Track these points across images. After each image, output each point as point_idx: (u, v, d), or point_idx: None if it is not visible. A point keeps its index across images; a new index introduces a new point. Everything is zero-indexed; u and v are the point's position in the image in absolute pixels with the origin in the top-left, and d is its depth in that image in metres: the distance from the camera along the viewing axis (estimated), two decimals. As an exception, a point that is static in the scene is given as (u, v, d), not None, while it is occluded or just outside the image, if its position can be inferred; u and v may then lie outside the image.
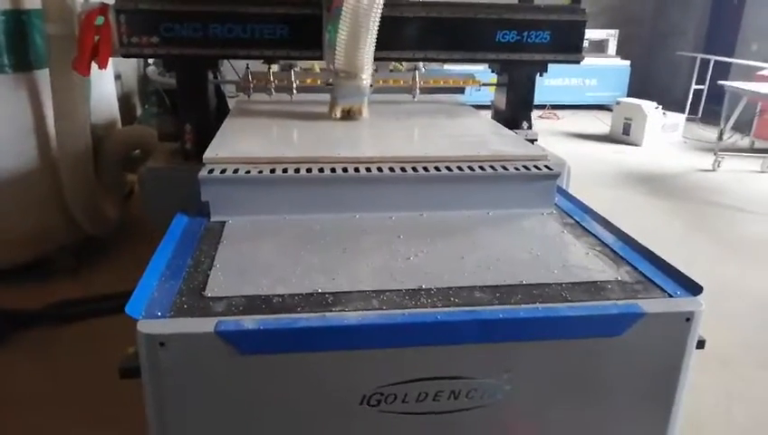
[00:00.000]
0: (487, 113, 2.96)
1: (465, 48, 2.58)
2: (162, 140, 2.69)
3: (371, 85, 2.42)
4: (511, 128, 2.54)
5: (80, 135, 3.26)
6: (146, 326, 1.16)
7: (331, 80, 2.40)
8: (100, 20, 2.56)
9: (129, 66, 6.48)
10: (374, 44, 2.24)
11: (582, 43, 2.66)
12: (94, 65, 2.75)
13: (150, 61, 6.29)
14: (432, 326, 1.23)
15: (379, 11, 2.15)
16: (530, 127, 2.81)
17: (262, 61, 2.53)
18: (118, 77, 5.06)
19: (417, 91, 2.82)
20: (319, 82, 2.82)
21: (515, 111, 2.79)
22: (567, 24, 2.60)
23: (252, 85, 2.62)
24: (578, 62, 2.68)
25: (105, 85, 4.05)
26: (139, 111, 6.71)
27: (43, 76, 3.23)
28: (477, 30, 2.56)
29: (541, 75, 2.74)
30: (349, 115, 2.41)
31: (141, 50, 2.42)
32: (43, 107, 3.29)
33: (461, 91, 3.12)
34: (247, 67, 2.62)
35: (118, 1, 2.34)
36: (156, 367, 1.16)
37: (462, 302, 1.31)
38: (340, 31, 2.16)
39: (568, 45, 2.64)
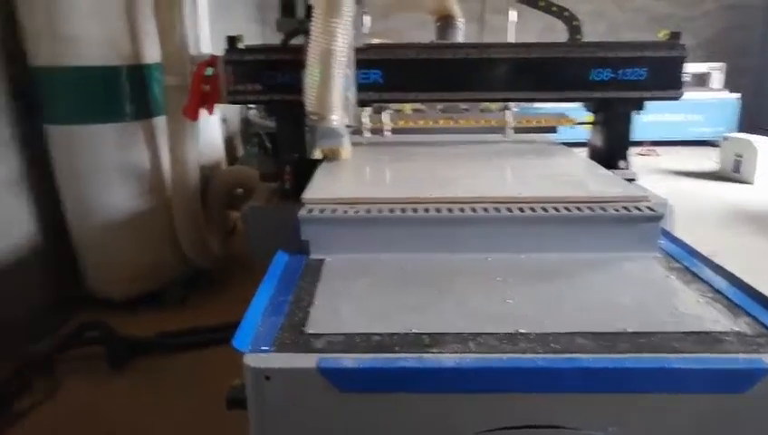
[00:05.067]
0: (581, 150, 2.89)
1: (557, 88, 2.57)
2: (263, 180, 2.85)
3: (348, 126, 2.40)
4: (608, 167, 2.46)
5: (191, 176, 3.51)
6: (253, 360, 1.21)
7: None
8: (209, 71, 2.80)
9: (233, 110, 6.94)
10: (342, 87, 2.21)
11: (681, 78, 2.57)
12: (203, 111, 2.98)
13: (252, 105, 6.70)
14: (534, 372, 1.20)
15: (345, 54, 2.14)
16: (627, 166, 2.71)
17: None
18: (223, 121, 5.42)
19: (509, 130, 2.82)
20: (411, 124, 2.90)
21: (612, 150, 2.71)
22: (664, 59, 2.51)
23: (347, 128, 2.72)
24: (677, 98, 2.58)
25: (213, 129, 4.36)
26: (240, 152, 7.14)
27: (158, 123, 3.53)
28: (570, 69, 2.53)
29: (638, 112, 2.65)
30: (332, 155, 2.41)
31: (246, 97, 2.61)
32: (158, 151, 3.59)
33: (553, 130, 3.08)
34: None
35: (226, 53, 2.54)
36: (261, 399, 1.21)
37: (562, 348, 1.26)
38: (310, 73, 2.17)
39: (666, 81, 2.55)
